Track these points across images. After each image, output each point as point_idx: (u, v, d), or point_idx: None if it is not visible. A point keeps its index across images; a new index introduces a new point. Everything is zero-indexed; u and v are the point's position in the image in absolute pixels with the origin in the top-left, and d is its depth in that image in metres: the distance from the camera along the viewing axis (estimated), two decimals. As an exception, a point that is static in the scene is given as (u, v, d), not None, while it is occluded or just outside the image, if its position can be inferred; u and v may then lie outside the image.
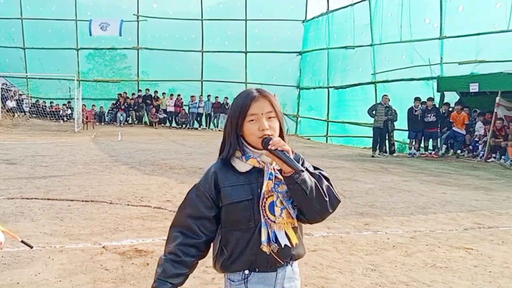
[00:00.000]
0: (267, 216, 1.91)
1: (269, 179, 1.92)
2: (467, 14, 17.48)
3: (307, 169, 1.93)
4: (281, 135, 2.00)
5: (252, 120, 1.95)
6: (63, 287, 4.02)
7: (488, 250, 5.56)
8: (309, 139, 24.11)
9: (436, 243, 5.79)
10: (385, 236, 6.03)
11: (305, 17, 27.85)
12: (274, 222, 1.91)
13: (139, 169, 10.92)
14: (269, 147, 1.87)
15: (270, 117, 1.96)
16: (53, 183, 8.82)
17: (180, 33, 28.61)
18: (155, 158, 12.73)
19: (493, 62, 16.09)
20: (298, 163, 1.92)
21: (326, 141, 23.27)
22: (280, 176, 1.91)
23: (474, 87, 15.41)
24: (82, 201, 7.37)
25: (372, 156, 15.64)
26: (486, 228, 6.65)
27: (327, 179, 1.98)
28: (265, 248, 1.90)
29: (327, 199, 1.91)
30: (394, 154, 16.61)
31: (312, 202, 1.89)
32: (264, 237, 1.91)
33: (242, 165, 1.97)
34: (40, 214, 6.49)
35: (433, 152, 16.54)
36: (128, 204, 7.24)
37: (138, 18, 28.23)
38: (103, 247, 5.11)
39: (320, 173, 1.98)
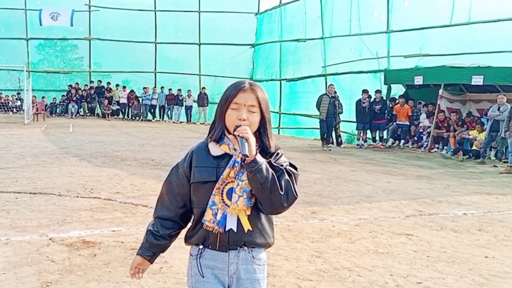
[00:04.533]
0: (223, 200, 2.04)
1: (233, 166, 2.03)
2: (412, 9, 18.00)
3: (270, 162, 2.03)
4: (261, 129, 2.11)
5: (234, 109, 2.07)
6: (7, 279, 3.98)
7: (427, 236, 5.80)
8: (261, 130, 24.19)
9: (379, 230, 5.99)
10: (330, 224, 6.19)
11: (258, 10, 27.95)
12: (229, 206, 2.03)
13: (90, 161, 10.78)
14: (234, 132, 2.02)
15: (251, 110, 2.07)
16: (0, 175, 8.62)
17: (133, 24, 28.14)
18: (106, 150, 12.58)
19: (437, 55, 16.60)
20: (278, 156, 2.09)
21: (278, 133, 23.44)
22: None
23: (418, 80, 15.88)
24: (30, 193, 7.26)
25: (324, 149, 15.43)
26: (427, 215, 6.92)
27: (291, 175, 2.05)
28: (207, 226, 2.05)
29: (282, 193, 1.99)
30: (342, 146, 16.78)
31: (266, 193, 1.98)
32: (207, 217, 2.04)
33: (215, 149, 2.09)
34: (-15, 207, 6.37)
35: (380, 143, 16.94)
36: (77, 196, 7.18)
37: (90, 8, 27.64)
38: (50, 239, 5.07)
39: (286, 168, 2.05)
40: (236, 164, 2.02)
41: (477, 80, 14.02)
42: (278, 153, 2.12)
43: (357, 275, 4.43)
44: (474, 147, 14.23)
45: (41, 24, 26.13)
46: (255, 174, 1.96)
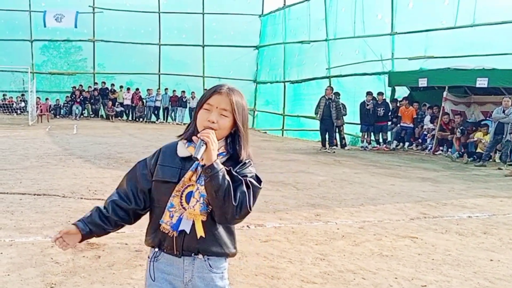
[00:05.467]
0: (181, 203, 2.00)
1: (195, 169, 1.99)
2: (417, 11, 17.96)
3: (229, 171, 1.95)
4: (233, 136, 2.07)
5: (207, 110, 2.03)
6: (11, 281, 3.99)
7: (432, 239, 5.78)
8: (265, 132, 24.16)
9: (383, 232, 5.97)
10: (335, 226, 6.17)
11: (262, 12, 27.99)
12: (186, 209, 1.99)
13: (93, 162, 10.79)
14: (198, 134, 1.97)
15: (223, 114, 2.02)
16: (5, 176, 8.63)
17: (137, 26, 28.23)
18: (110, 152, 12.60)
19: (441, 58, 16.55)
20: (244, 166, 2.01)
21: (282, 135, 23.45)
22: None
23: (423, 82, 15.83)
24: (34, 194, 7.26)
25: (328, 152, 15.28)
26: (431, 217, 6.90)
27: (249, 188, 1.96)
28: (163, 228, 2.01)
29: (235, 204, 1.90)
30: (346, 148, 16.74)
31: (219, 202, 1.91)
32: (165, 219, 2.02)
33: (182, 150, 2.06)
34: (-11, 209, 6.37)
35: (384, 145, 16.91)
36: (81, 198, 7.18)
37: (94, 9, 27.71)
38: (54, 240, 5.07)
39: (247, 180, 1.97)
40: (199, 168, 1.98)
41: (482, 83, 13.96)
42: (245, 163, 2.05)
43: (361, 278, 4.42)
44: (478, 150, 14.19)
45: (45, 26, 26.23)
46: (210, 180, 1.89)
